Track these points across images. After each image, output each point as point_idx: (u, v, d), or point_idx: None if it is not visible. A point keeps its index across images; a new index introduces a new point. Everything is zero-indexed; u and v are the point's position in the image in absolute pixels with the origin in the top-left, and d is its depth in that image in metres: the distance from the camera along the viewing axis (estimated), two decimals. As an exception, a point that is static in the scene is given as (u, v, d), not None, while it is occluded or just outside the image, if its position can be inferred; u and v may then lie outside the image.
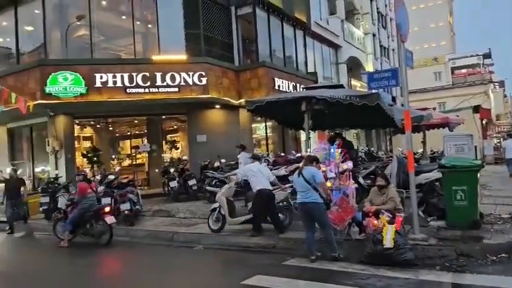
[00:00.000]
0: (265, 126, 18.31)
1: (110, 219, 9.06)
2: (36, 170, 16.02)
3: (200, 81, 14.25)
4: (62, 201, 10.41)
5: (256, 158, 9.32)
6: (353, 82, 25.80)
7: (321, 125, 11.68)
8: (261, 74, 15.60)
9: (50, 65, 13.39)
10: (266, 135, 18.57)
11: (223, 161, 14.04)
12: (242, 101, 15.38)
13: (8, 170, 14.34)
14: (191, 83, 14.17)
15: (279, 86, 16.27)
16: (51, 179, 13.35)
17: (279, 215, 8.39)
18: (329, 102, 8.49)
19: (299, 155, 16.79)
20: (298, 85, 17.41)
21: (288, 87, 16.89)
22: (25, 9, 15.21)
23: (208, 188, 12.14)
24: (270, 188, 8.35)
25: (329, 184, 7.08)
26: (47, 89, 12.92)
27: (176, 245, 8.55)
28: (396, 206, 6.87)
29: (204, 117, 15.64)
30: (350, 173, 7.50)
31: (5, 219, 11.96)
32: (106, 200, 10.72)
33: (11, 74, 14.19)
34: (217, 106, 15.48)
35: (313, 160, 6.73)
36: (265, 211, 8.22)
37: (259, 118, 17.06)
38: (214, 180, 12.64)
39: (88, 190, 9.49)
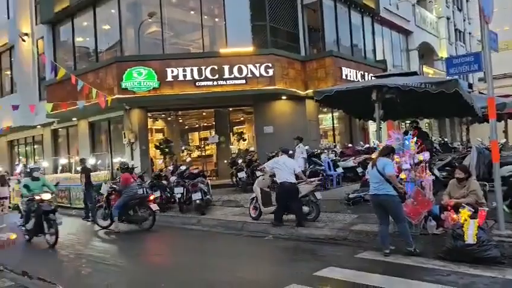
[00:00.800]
0: (332, 116, 18.00)
1: (154, 206, 10.04)
2: (114, 160, 17.06)
3: (267, 72, 14.29)
4: (104, 189, 11.06)
5: (285, 151, 9.37)
6: (425, 69, 24.48)
7: (391, 114, 11.23)
8: (327, 64, 15.32)
9: (125, 61, 14.14)
10: (333, 126, 18.27)
11: (290, 152, 13.96)
12: (309, 91, 15.22)
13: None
14: (258, 74, 14.26)
15: (346, 76, 15.88)
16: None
17: (304, 207, 8.59)
18: (401, 90, 8.13)
19: (368, 145, 16.35)
20: (366, 74, 16.88)
21: (356, 77, 16.43)
22: (102, 10, 16.16)
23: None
24: (292, 181, 8.55)
25: (403, 176, 6.81)
26: (123, 84, 13.67)
27: (246, 235, 8.70)
28: (479, 199, 6.45)
29: (271, 109, 15.68)
30: (426, 165, 7.14)
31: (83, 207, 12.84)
32: (178, 190, 11.21)
33: (91, 71, 15.17)
34: (284, 97, 15.45)
35: (389, 151, 6.49)
36: (286, 203, 8.54)
37: (325, 109, 16.84)
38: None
39: (130, 180, 10.30)
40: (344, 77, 15.70)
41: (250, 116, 17.68)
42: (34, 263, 7.36)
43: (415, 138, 7.18)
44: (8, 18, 20.36)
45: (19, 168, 21.35)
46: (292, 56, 15.45)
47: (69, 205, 14.23)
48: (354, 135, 18.48)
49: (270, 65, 14.33)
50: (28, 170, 11.53)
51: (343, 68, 15.81)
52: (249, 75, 14.20)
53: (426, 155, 7.09)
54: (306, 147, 13.87)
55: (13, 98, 19.09)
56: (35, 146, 22.50)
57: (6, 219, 13.40)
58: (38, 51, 18.77)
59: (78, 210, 13.56)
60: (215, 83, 14.09)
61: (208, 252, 7.53)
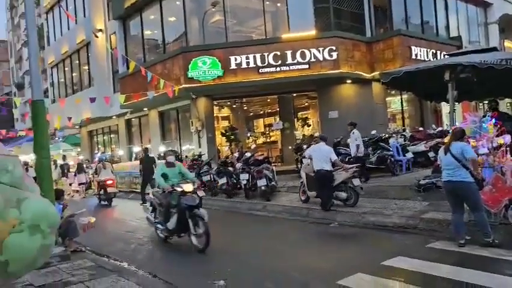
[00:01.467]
0: (401, 99, 17.18)
1: (201, 193, 10.06)
2: (183, 148, 17.71)
3: (330, 56, 13.94)
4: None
5: (323, 139, 9.64)
6: (507, 44, 22.49)
7: (467, 95, 10.46)
8: (396, 44, 14.59)
9: (190, 51, 14.50)
10: (402, 109, 17.45)
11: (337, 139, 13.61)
12: (375, 74, 14.62)
13: (162, 148, 16.23)
14: (321, 58, 13.95)
15: (416, 55, 15.03)
16: (196, 156, 14.62)
17: (342, 193, 8.91)
18: (478, 68, 7.51)
19: (440, 129, 15.44)
20: (438, 52, 15.86)
21: (427, 56, 15.49)
22: (168, 2, 16.67)
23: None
24: (327, 168, 8.88)
25: (480, 160, 6.33)
26: (189, 74, 14.06)
27: (312, 221, 8.64)
28: None
29: (335, 93, 15.32)
30: (507, 149, 6.57)
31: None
32: (243, 176, 11.37)
33: (159, 62, 15.76)
34: (349, 81, 15.00)
35: (461, 135, 6.05)
36: (321, 189, 9.00)
37: (394, 91, 16.11)
38: (348, 157, 12.37)
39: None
40: (413, 57, 14.88)
41: (314, 101, 17.41)
42: (113, 245, 7.87)
43: (494, 120, 6.63)
44: (84, 16, 21.69)
45: (98, 156, 22.96)
46: (357, 38, 14.91)
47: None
48: (425, 118, 17.54)
49: (333, 48, 13.95)
50: (161, 154, 12.20)
51: (412, 48, 14.99)
52: (312, 59, 13.94)
53: (507, 138, 6.54)
54: (373, 131, 13.45)
55: (91, 91, 20.43)
56: (112, 136, 24.01)
57: (86, 203, 14.60)
58: (111, 46, 19.85)
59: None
60: (278, 69, 14.01)
61: (273, 238, 7.58)
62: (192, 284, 5.27)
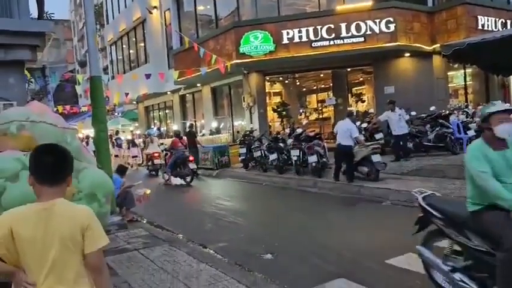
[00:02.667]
0: (464, 73, 16.14)
1: (192, 165, 12.52)
2: (235, 123, 17.88)
3: (387, 28, 13.28)
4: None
5: (348, 115, 10.18)
6: None
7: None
8: (460, 13, 13.61)
9: (242, 26, 14.41)
10: (465, 84, 16.41)
11: (413, 113, 13.03)
12: (436, 46, 13.80)
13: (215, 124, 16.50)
14: (377, 31, 13.34)
15: (483, 26, 13.97)
16: (247, 132, 14.71)
17: (364, 168, 9.50)
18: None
19: (508, 105, 14.37)
20: (509, 22, 14.63)
21: (495, 26, 14.35)
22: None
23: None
24: (346, 143, 9.45)
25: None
26: (241, 49, 14.01)
27: (363, 199, 8.46)
28: None
29: (392, 67, 14.67)
30: None
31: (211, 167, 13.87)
32: (294, 152, 11.30)
33: (212, 38, 15.83)
34: (407, 54, 14.28)
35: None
36: (337, 162, 9.81)
37: (456, 65, 15.15)
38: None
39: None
40: (479, 27, 13.85)
41: (369, 76, 16.81)
42: (166, 217, 8.18)
43: None
44: (140, -7, 22.15)
45: (154, 131, 23.78)
46: (417, 8, 14.05)
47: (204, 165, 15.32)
48: (491, 94, 16.38)
49: (391, 19, 13.27)
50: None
51: (479, 17, 13.92)
52: (368, 32, 13.38)
53: None
54: (432, 107, 12.80)
55: (147, 67, 21.02)
56: (167, 111, 24.72)
57: (140, 175, 15.34)
58: (165, 23, 20.19)
59: (203, 169, 14.59)
60: (331, 42, 13.61)
61: (323, 215, 7.52)
62: (240, 256, 5.36)
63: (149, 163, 15.84)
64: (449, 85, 15.85)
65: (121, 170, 8.25)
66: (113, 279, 4.47)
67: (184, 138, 14.57)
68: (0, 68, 7.54)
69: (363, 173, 9.58)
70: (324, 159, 10.95)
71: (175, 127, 22.29)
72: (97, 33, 33.66)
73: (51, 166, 1.93)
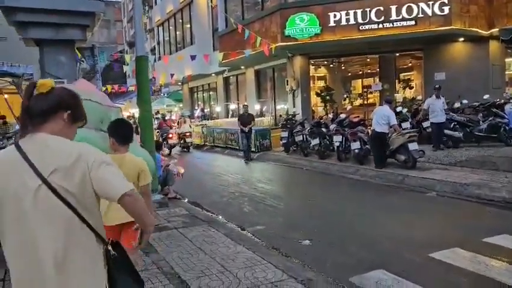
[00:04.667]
0: (524, 60, 15.13)
1: (171, 141, 16.87)
2: (278, 107, 17.77)
3: (441, 10, 12.59)
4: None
5: (387, 101, 9.98)
6: None
7: None
8: (523, -5, 12.67)
9: (288, 8, 14.14)
10: (524, 71, 15.39)
11: (464, 101, 12.40)
12: (494, 30, 13.02)
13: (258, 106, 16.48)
14: (430, 13, 12.68)
15: (548, 9, 12.95)
16: (290, 116, 14.57)
17: (401, 156, 9.39)
18: None
19: None
20: None
21: (562, 9, 13.26)
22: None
23: (446, 131, 11.06)
24: (379, 130, 9.43)
25: None
26: (286, 31, 13.79)
27: (407, 189, 8.19)
28: None
29: (444, 52, 13.97)
30: None
31: (252, 149, 13.92)
32: (337, 138, 11.09)
33: (257, 20, 15.67)
34: (461, 39, 13.53)
35: None
36: (373, 148, 9.84)
37: (515, 51, 14.25)
38: (453, 123, 11.37)
39: (163, 125, 17.87)
40: (544, 10, 12.85)
41: (419, 62, 16.12)
42: (207, 198, 8.30)
43: None
44: (187, -26, 22.25)
45: (198, 112, 24.15)
46: (475, -11, 13.23)
47: (237, 147, 15.50)
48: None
49: (445, 1, 12.54)
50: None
51: (544, 0, 12.91)
52: (420, 15, 12.74)
53: None
54: (486, 96, 12.12)
55: (192, 49, 21.21)
56: (210, 93, 24.95)
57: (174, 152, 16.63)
58: (211, 4, 20.20)
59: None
60: (380, 25, 13.09)
61: (364, 203, 7.35)
62: (277, 240, 5.35)
63: (181, 141, 17.72)
64: (506, 72, 14.91)
65: (157, 145, 8.37)
66: (152, 256, 4.60)
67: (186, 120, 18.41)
68: (51, 46, 7.84)
69: (400, 161, 9.48)
70: (368, 146, 10.64)
71: (218, 109, 22.55)
72: (145, 15, 34.37)
73: (123, 132, 3.29)
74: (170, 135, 17.13)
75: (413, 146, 9.26)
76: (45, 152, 1.59)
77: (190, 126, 18.64)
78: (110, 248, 1.72)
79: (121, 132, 3.26)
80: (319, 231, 5.73)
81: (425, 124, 11.92)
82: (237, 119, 14.53)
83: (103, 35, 61.57)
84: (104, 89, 23.88)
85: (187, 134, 17.77)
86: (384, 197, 7.84)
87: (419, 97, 14.58)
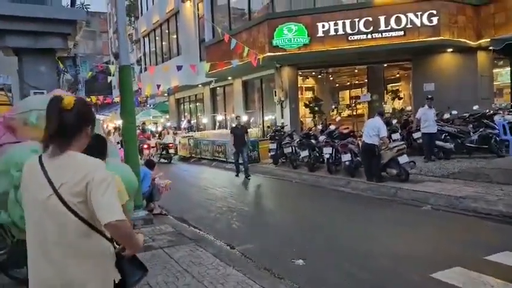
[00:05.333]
0: (511, 71, 15.15)
1: (146, 151, 16.94)
2: (265, 118, 17.53)
3: (430, 21, 12.56)
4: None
5: (381, 113, 9.87)
6: None
7: None
8: (511, 5, 12.70)
9: (276, 18, 13.98)
10: (511, 82, 15.41)
11: (454, 112, 12.32)
12: (482, 41, 13.03)
13: (245, 118, 16.14)
14: (419, 24, 12.64)
15: (534, 20, 13.00)
16: (278, 127, 14.33)
17: (392, 170, 9.19)
18: None
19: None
20: None
21: (548, 20, 13.34)
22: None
23: (437, 142, 10.92)
24: (368, 141, 9.23)
25: None
26: (274, 42, 13.61)
27: (400, 202, 7.96)
28: None
29: (432, 63, 13.93)
30: None
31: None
32: (327, 150, 10.86)
33: (244, 30, 15.48)
34: (450, 49, 13.52)
35: None
36: (364, 160, 9.66)
37: (501, 62, 14.30)
38: (444, 134, 11.25)
39: (140, 135, 16.18)
40: (531, 21, 12.90)
41: (407, 72, 16.12)
42: (193, 212, 7.94)
43: None
44: (173, -16, 22.04)
45: (184, 124, 23.80)
46: (462, 0, 13.24)
47: (225, 159, 15.19)
48: (539, 93, 15.36)
49: (434, 12, 12.53)
50: None
51: (531, 11, 12.97)
52: (409, 25, 12.69)
53: None
54: (475, 107, 12.08)
55: (179, 59, 20.92)
56: (197, 104, 24.63)
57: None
58: (198, 14, 20.00)
59: (233, 164, 14.35)
60: (369, 36, 13.00)
61: (357, 218, 7.09)
62: (269, 260, 5.03)
63: (163, 152, 18.01)
64: (494, 83, 14.94)
65: (150, 163, 8.09)
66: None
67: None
68: (30, 56, 7.46)
69: (392, 175, 9.27)
70: (358, 158, 10.43)
71: (205, 120, 22.23)
72: (131, 25, 34.05)
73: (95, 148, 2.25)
74: (145, 146, 17.43)
75: (403, 159, 9.10)
76: (60, 168, 1.82)
77: (173, 137, 19.11)
78: (115, 244, 1.95)
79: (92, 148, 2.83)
80: (312, 249, 5.43)
81: (416, 135, 11.79)
82: (224, 130, 14.23)
83: (89, 46, 60.93)
84: (88, 100, 23.50)
85: (170, 145, 18.20)
86: (378, 211, 7.59)
87: (409, 108, 14.49)
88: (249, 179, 11.75)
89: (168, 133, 19.09)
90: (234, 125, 12.96)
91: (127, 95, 6.20)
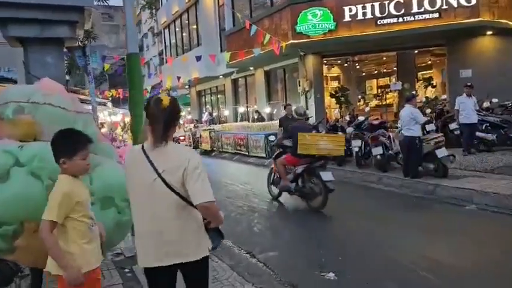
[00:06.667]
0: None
1: None
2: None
3: (468, 1, 11.54)
4: None
5: (409, 99, 8.73)
6: None
7: None
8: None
9: (300, 2, 13.18)
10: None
11: (494, 100, 11.32)
12: (527, 22, 11.89)
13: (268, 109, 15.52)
14: (455, 5, 11.63)
15: None
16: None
17: (430, 164, 8.24)
18: None
19: None
20: None
21: None
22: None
23: (477, 133, 9.99)
24: (407, 134, 8.23)
25: None
26: (298, 28, 12.85)
27: (440, 200, 7.15)
28: None
29: (470, 48, 12.87)
30: None
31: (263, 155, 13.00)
32: (355, 143, 10.10)
33: (266, 17, 14.73)
34: (489, 32, 12.45)
35: None
36: (407, 156, 8.49)
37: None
38: (484, 124, 10.30)
39: None
40: None
41: (438, 59, 15.13)
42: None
43: None
44: (193, -27, 21.45)
45: (205, 116, 23.30)
46: (504, -23, 12.14)
47: (247, 153, 14.58)
48: None
49: (473, -10, 11.49)
50: None
51: None
52: (444, 6, 11.70)
53: None
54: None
55: (199, 50, 20.34)
56: (219, 96, 24.08)
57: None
58: (218, 2, 19.34)
59: (254, 158, 13.74)
60: (400, 19, 12.08)
61: (392, 219, 6.34)
62: (294, 272, 4.37)
63: None
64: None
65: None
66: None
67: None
68: (36, 45, 6.98)
69: (429, 170, 8.37)
70: (391, 152, 9.61)
71: (226, 112, 21.69)
72: (152, 18, 33.65)
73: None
74: None
75: (441, 153, 8.13)
76: (162, 156, 2.22)
77: (184, 130, 20.07)
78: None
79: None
80: (345, 259, 4.73)
81: (452, 126, 10.86)
82: (246, 123, 13.59)
83: (112, 40, 61.31)
84: (110, 94, 23.25)
85: (181, 138, 18.75)
86: (416, 211, 6.82)
87: (444, 96, 13.45)
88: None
89: (180, 127, 19.13)
90: (283, 115, 10.45)
91: (134, 85, 5.60)
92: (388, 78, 17.61)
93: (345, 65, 17.25)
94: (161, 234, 2.22)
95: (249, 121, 18.05)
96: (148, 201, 2.23)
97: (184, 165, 2.16)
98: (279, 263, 4.71)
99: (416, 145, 8.25)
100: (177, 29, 24.97)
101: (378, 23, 12.24)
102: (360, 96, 17.96)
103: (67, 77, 26.21)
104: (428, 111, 11.93)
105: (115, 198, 3.04)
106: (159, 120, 2.19)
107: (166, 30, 26.65)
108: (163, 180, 2.17)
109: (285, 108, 10.50)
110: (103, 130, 18.43)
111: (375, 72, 18.50)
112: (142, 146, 2.28)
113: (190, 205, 2.21)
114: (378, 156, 9.38)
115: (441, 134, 8.81)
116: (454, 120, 10.93)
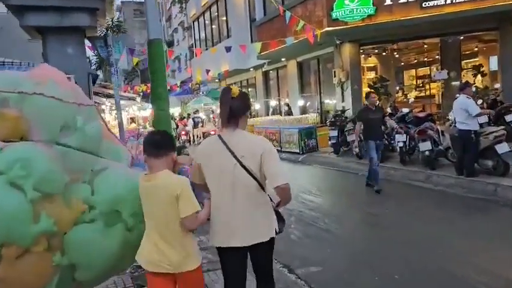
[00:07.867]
0: None
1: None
2: (324, 102, 15.95)
3: (526, -22, 10.35)
4: None
5: (462, 88, 7.66)
6: None
7: None
8: None
9: (336, -13, 12.26)
10: None
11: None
12: None
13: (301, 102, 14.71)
14: (512, -18, 10.46)
15: None
16: (339, 112, 12.75)
17: (488, 161, 7.42)
18: None
19: None
20: None
21: None
22: None
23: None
24: (461, 127, 7.34)
25: None
26: (334, 14, 11.96)
27: (503, 203, 6.26)
28: None
29: (527, 31, 11.63)
30: None
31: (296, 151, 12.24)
32: (399, 138, 9.17)
33: (299, 4, 13.86)
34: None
35: None
36: (460, 152, 7.67)
37: None
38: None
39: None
40: None
41: (486, 46, 13.90)
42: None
43: None
44: (223, -37, 20.79)
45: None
46: None
47: (279, 148, 13.88)
48: None
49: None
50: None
51: None
52: (499, -16, 10.54)
53: None
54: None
55: (229, 42, 19.69)
56: (249, 89, 23.39)
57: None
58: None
59: (287, 154, 13.02)
60: (448, 1, 10.99)
61: (447, 224, 5.51)
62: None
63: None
64: None
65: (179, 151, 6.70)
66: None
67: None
68: (56, 35, 6.52)
69: (487, 167, 7.52)
70: (440, 147, 8.67)
71: (257, 106, 21.04)
72: (182, 12, 33.29)
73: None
74: (183, 133, 19.63)
75: (502, 148, 7.24)
76: (239, 143, 2.43)
77: (214, 124, 20.49)
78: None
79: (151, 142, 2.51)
80: (402, 276, 3.97)
81: (509, 118, 9.76)
82: (276, 116, 12.84)
83: (143, 35, 61.57)
84: (140, 89, 23.04)
85: (211, 132, 18.64)
86: (473, 214, 5.96)
87: (497, 85, 12.25)
88: (379, 192, 7.59)
89: (186, 125, 20.39)
90: (363, 107, 8.49)
91: (157, 76, 4.97)
92: (428, 68, 16.45)
93: (383, 54, 16.19)
94: (238, 217, 2.42)
95: (281, 115, 17.32)
96: (229, 186, 2.42)
97: (260, 151, 2.39)
98: (324, 280, 4.01)
99: (472, 139, 7.32)
100: (207, 22, 24.43)
101: (424, 5, 11.20)
102: (398, 88, 16.88)
103: (99, 72, 26.20)
104: (480, 102, 10.82)
105: (123, 212, 2.41)
106: (226, 107, 2.43)
107: (196, 23, 26.18)
108: (242, 165, 2.39)
109: (367, 97, 8.08)
110: (132, 125, 18.19)
111: (415, 61, 17.35)
112: (219, 136, 2.48)
113: (263, 189, 2.46)
114: (427, 152, 8.46)
115: (502, 127, 7.80)
116: (511, 111, 9.84)
